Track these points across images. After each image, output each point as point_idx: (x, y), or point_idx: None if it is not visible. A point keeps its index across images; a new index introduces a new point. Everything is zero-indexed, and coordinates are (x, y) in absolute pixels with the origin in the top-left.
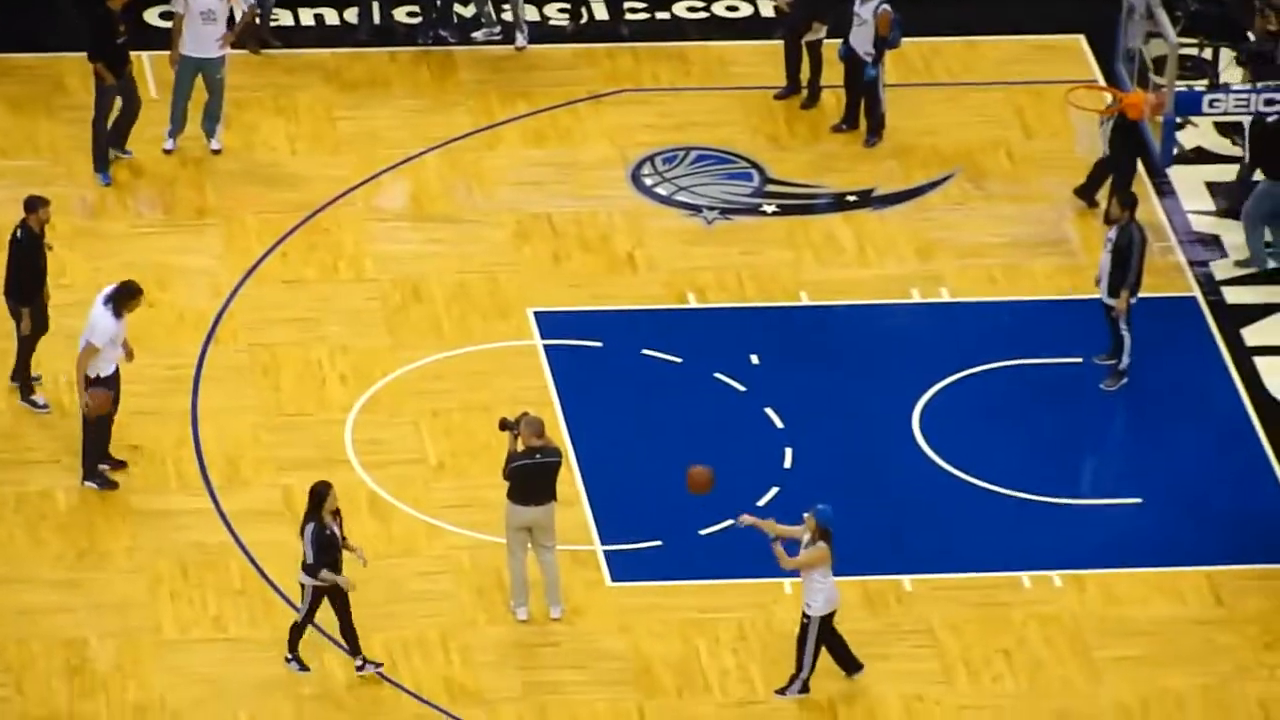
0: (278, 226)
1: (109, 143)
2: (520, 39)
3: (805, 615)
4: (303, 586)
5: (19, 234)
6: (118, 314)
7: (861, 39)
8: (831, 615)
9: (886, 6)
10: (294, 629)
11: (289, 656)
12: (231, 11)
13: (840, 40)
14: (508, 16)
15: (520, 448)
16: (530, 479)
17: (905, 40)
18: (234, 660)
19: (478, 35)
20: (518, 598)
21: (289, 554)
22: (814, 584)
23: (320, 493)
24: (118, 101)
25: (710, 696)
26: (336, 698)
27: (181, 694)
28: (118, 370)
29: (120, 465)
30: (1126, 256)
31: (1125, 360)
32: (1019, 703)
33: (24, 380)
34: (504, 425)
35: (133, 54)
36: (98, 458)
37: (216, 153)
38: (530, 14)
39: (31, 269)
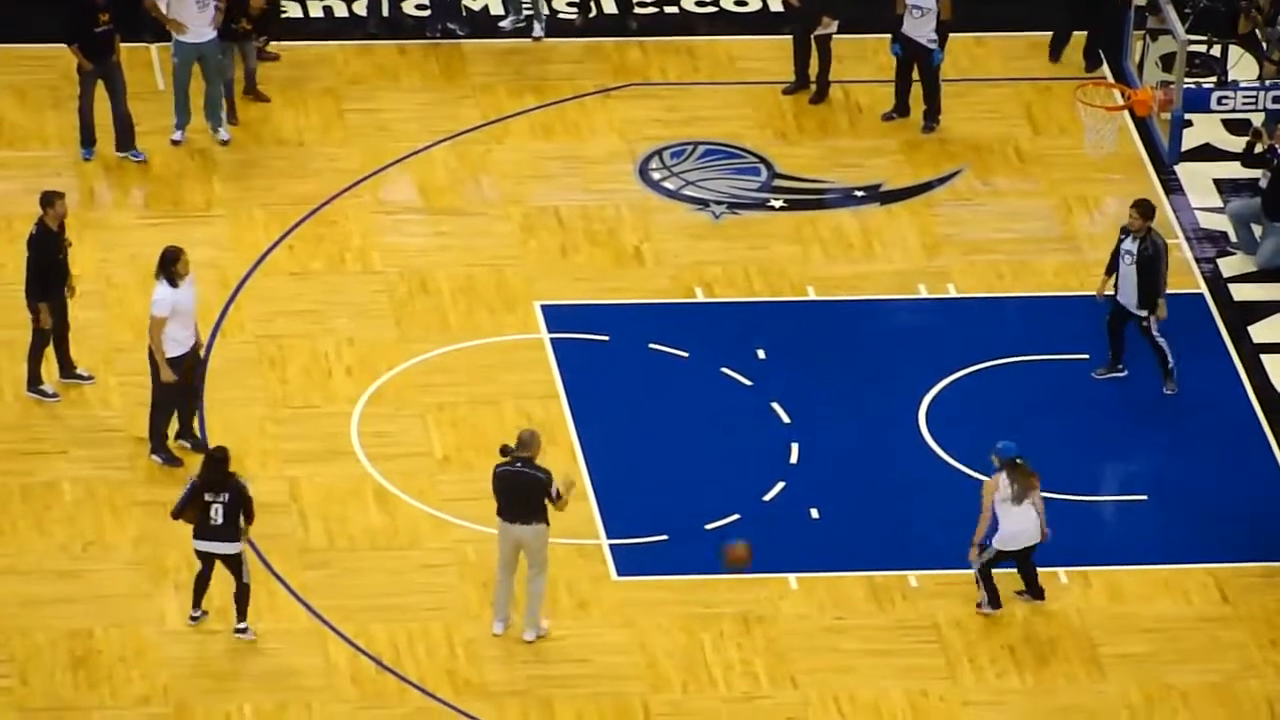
0: (285, 218)
1: (118, 148)
2: (538, 29)
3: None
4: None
5: (35, 232)
6: (171, 283)
7: (921, 28)
8: (1011, 551)
9: None
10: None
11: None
12: None
13: (890, 37)
14: (525, 10)
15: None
16: (509, 491)
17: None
18: (238, 652)
19: (504, 24)
20: (498, 612)
21: (294, 545)
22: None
23: (216, 457)
24: (102, 88)
25: (715, 691)
26: (340, 690)
27: (185, 685)
28: (193, 349)
29: (200, 446)
30: (1154, 266)
31: (1172, 360)
32: (1024, 699)
33: (33, 371)
34: (504, 452)
35: (141, 45)
36: (163, 434)
37: (224, 144)
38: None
39: (50, 265)
